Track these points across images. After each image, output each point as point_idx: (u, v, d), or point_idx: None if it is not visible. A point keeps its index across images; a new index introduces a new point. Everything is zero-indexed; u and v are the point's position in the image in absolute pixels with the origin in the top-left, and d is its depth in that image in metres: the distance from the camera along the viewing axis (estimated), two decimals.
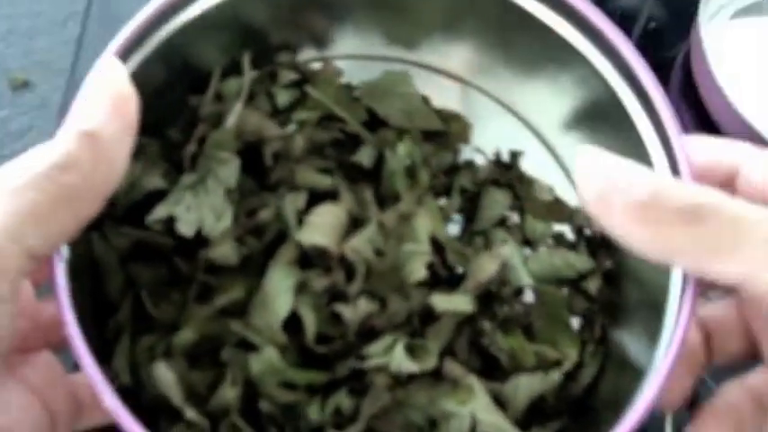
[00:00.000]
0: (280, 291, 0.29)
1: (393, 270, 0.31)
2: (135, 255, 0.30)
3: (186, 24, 0.30)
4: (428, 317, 0.31)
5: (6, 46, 0.51)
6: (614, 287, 0.34)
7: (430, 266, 0.32)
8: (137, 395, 0.29)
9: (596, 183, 0.25)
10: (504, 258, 0.34)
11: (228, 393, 0.28)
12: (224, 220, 0.29)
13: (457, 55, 0.36)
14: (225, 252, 0.29)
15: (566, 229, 0.36)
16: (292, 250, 0.30)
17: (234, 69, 0.33)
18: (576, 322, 0.35)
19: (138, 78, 0.28)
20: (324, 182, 0.32)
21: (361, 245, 0.30)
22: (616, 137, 0.31)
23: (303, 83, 0.34)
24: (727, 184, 0.28)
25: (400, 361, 0.29)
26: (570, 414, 0.33)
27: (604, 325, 0.34)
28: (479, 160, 0.37)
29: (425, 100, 0.36)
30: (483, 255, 0.33)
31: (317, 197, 0.32)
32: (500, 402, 0.31)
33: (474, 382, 0.30)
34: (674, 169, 0.28)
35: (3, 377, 0.25)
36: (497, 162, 0.37)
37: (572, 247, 0.36)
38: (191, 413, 0.28)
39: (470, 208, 0.36)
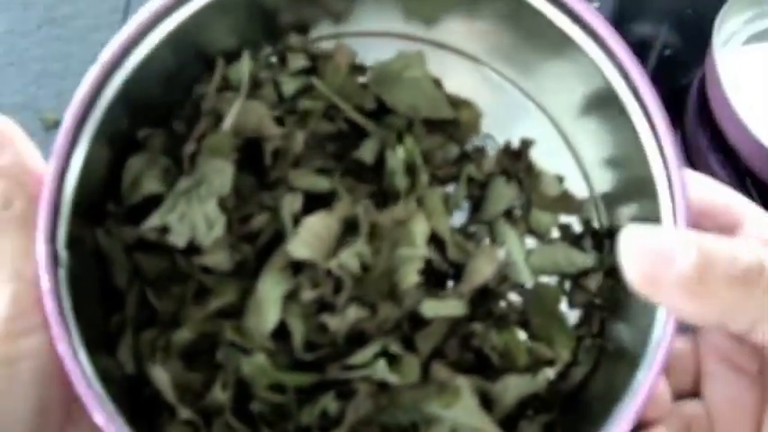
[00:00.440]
0: (269, 300, 0.29)
1: (385, 274, 0.31)
2: (140, 246, 0.31)
3: (198, 9, 0.30)
4: (420, 319, 0.31)
5: (38, 87, 0.53)
6: (616, 281, 0.34)
7: (428, 263, 0.32)
8: (142, 384, 0.29)
9: (641, 263, 0.25)
10: (504, 256, 0.33)
11: (220, 395, 0.29)
12: (216, 229, 0.29)
13: (475, 35, 0.35)
14: (217, 259, 0.30)
15: (573, 221, 0.36)
16: (285, 256, 0.30)
17: (240, 54, 0.33)
18: (575, 315, 0.35)
19: (148, 67, 0.29)
20: (322, 184, 0.32)
21: (348, 260, 0.30)
22: (627, 126, 0.30)
23: (312, 71, 0.34)
24: (724, 233, 0.28)
25: (382, 374, 0.29)
26: (560, 408, 0.33)
27: (603, 319, 0.34)
28: (490, 146, 0.36)
29: (438, 84, 0.35)
30: (482, 254, 0.33)
31: (315, 198, 0.31)
32: (488, 401, 0.31)
33: (462, 383, 0.30)
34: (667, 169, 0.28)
35: None
36: (507, 151, 0.36)
37: (578, 238, 0.35)
38: (185, 413, 0.29)
39: (478, 195, 0.36)
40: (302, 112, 0.33)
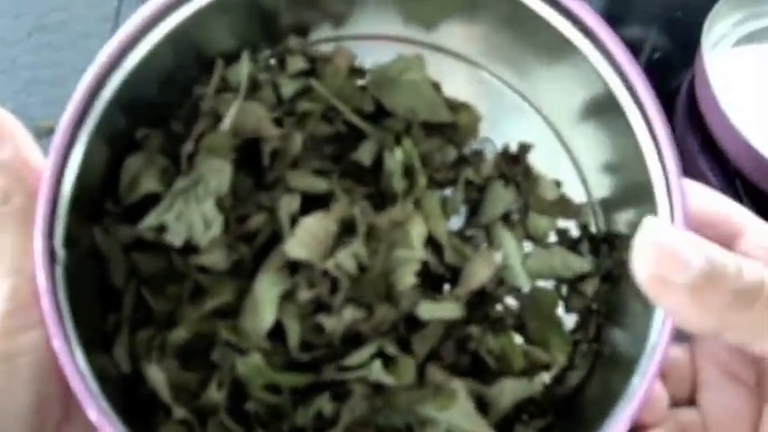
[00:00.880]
0: (266, 300, 0.29)
1: (382, 276, 0.31)
2: (137, 245, 0.31)
3: (198, 10, 0.30)
4: (416, 321, 0.31)
5: (29, 95, 0.53)
6: (612, 286, 0.34)
7: (424, 266, 0.32)
8: (138, 383, 0.30)
9: (654, 262, 0.25)
10: (501, 260, 0.33)
11: (215, 395, 0.29)
12: (213, 228, 0.29)
13: (474, 38, 0.35)
14: (214, 259, 0.30)
15: (570, 225, 0.36)
16: (282, 256, 0.30)
17: (239, 55, 0.33)
18: (571, 320, 0.35)
19: (147, 67, 0.29)
20: (319, 185, 0.32)
21: (344, 260, 0.30)
22: (625, 131, 0.30)
23: (311, 73, 0.34)
24: (724, 242, 0.28)
25: (378, 375, 0.29)
26: (556, 412, 0.33)
27: (600, 324, 0.34)
28: (488, 149, 0.36)
29: (436, 87, 0.35)
30: (479, 257, 0.33)
31: (312, 198, 0.32)
32: (484, 405, 0.31)
33: (457, 386, 0.30)
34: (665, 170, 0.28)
35: None
36: (505, 155, 0.36)
37: (575, 243, 0.35)
38: (180, 412, 0.29)
39: (475, 199, 0.36)
40: (301, 114, 0.33)
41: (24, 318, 0.27)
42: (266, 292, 0.30)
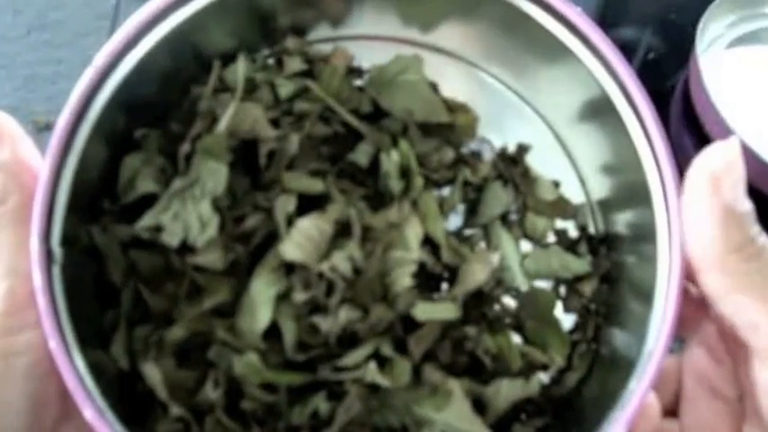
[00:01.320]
0: (261, 301, 0.30)
1: (378, 277, 0.31)
2: (136, 243, 0.31)
3: (197, 11, 0.30)
4: (413, 322, 0.31)
5: (29, 91, 0.53)
6: (610, 287, 0.34)
7: (422, 266, 0.32)
8: (136, 380, 0.30)
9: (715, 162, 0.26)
10: (498, 261, 0.33)
11: (211, 393, 0.29)
12: (209, 229, 0.29)
13: (472, 39, 0.35)
14: (211, 259, 0.30)
15: (569, 225, 0.36)
16: (278, 257, 0.30)
17: (237, 56, 0.33)
18: (570, 320, 0.35)
19: (145, 66, 0.29)
20: (316, 186, 0.32)
21: (339, 263, 0.30)
22: (622, 133, 0.30)
23: (308, 74, 0.34)
24: None
25: (372, 376, 0.29)
26: (554, 412, 0.33)
27: (598, 324, 0.34)
28: (487, 150, 0.36)
29: (434, 88, 0.35)
30: (476, 258, 0.33)
31: (310, 199, 0.32)
32: (481, 405, 0.31)
33: (454, 387, 0.30)
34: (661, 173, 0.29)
35: None
36: (503, 155, 0.36)
37: (574, 243, 0.35)
38: (176, 410, 0.29)
39: (474, 199, 0.36)
40: (298, 115, 0.33)
41: (21, 318, 0.27)
42: (262, 293, 0.30)
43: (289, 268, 0.30)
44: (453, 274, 0.34)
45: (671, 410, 0.32)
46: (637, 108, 0.29)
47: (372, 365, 0.29)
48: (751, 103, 0.52)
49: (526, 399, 0.32)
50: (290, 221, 0.30)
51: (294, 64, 0.34)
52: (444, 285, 0.34)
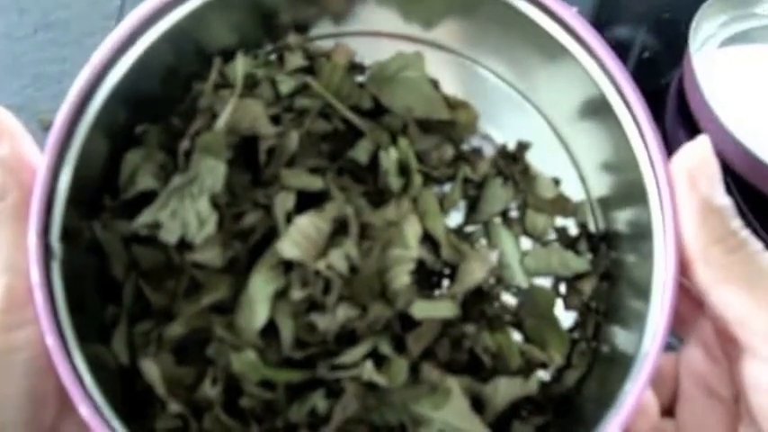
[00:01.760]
0: (259, 298, 0.29)
1: (377, 274, 0.31)
2: (137, 238, 0.31)
3: (198, 6, 0.30)
4: (412, 319, 0.31)
5: (35, 90, 0.53)
6: (610, 285, 0.34)
7: (421, 264, 0.32)
8: (135, 375, 0.30)
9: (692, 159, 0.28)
10: (498, 259, 0.33)
11: (210, 390, 0.29)
12: (207, 226, 0.29)
13: (473, 37, 0.35)
14: (209, 256, 0.30)
15: (569, 223, 0.36)
16: (276, 254, 0.30)
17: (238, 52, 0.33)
18: (570, 318, 0.35)
19: (147, 62, 0.29)
20: (315, 184, 0.32)
21: (336, 261, 0.30)
22: (619, 131, 0.30)
23: (309, 70, 0.34)
24: None
25: (370, 375, 0.29)
26: (554, 409, 0.33)
27: (598, 322, 0.34)
28: (487, 147, 0.36)
29: (435, 84, 0.35)
30: (475, 256, 0.33)
31: (310, 196, 0.31)
32: (480, 403, 0.31)
33: (453, 385, 0.30)
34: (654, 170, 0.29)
35: None
36: (503, 153, 0.36)
37: (574, 241, 0.35)
38: (174, 406, 0.29)
39: (474, 196, 0.36)
40: (298, 111, 0.33)
41: (20, 314, 0.27)
42: (260, 291, 0.30)
43: (287, 266, 0.30)
44: (454, 271, 0.33)
45: (668, 409, 0.32)
46: (631, 108, 0.29)
47: (369, 364, 0.29)
48: (743, 100, 0.53)
49: (525, 397, 0.32)
50: (289, 218, 0.30)
51: (295, 60, 0.34)
52: (446, 282, 0.34)
